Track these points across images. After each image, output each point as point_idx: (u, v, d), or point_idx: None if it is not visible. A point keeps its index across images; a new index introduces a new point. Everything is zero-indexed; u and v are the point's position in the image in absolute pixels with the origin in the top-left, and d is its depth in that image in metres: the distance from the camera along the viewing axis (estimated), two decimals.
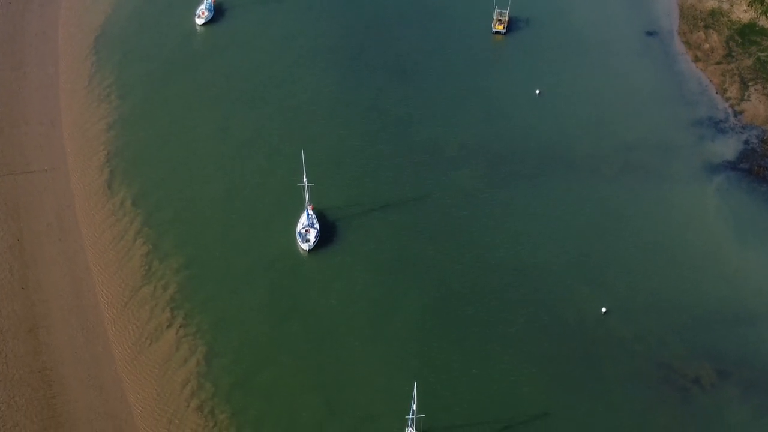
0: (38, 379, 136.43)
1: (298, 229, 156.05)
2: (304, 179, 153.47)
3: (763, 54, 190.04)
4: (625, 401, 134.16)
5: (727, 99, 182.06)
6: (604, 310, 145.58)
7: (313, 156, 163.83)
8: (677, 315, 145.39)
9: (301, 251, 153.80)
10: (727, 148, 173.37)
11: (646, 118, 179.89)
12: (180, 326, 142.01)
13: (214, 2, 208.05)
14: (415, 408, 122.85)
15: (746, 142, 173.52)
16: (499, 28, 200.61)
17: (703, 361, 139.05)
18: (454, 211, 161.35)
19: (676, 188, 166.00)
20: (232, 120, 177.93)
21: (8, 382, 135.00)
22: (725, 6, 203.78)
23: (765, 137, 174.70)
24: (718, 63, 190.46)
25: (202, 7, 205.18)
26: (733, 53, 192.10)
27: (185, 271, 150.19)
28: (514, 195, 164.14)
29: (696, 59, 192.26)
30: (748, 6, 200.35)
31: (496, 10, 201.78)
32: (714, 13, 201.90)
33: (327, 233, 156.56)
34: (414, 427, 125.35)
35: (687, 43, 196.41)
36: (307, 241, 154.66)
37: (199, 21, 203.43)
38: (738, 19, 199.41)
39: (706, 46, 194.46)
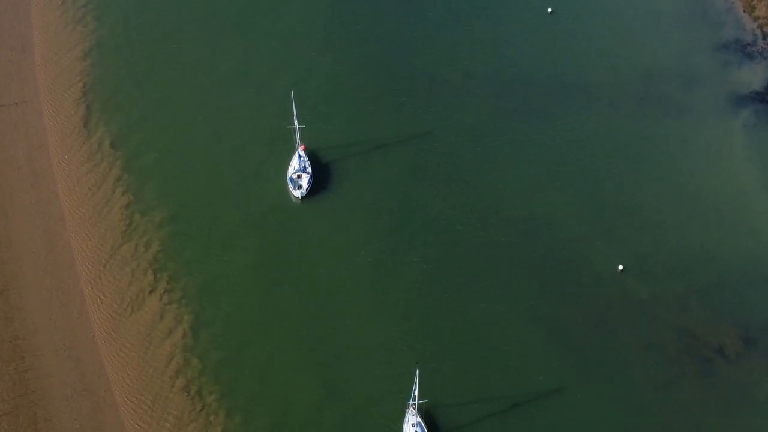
0: (10, 349, 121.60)
1: (289, 174, 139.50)
2: (295, 121, 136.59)
3: None
4: (643, 376, 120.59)
5: (756, 18, 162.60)
6: (621, 267, 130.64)
7: (305, 91, 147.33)
8: (700, 274, 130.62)
9: (294, 198, 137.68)
10: (755, 76, 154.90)
11: (666, 42, 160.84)
12: (164, 291, 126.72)
13: None
14: (416, 393, 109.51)
15: None
16: None
17: (728, 327, 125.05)
18: (458, 152, 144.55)
19: (700, 125, 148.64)
20: (217, 49, 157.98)
21: None
22: None
23: None
24: None
25: None
26: None
27: (169, 227, 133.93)
28: (524, 134, 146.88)
29: None
30: None
31: None
32: None
33: (321, 178, 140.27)
34: (416, 411, 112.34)
35: None
36: (300, 187, 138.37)
37: None
38: None
39: None
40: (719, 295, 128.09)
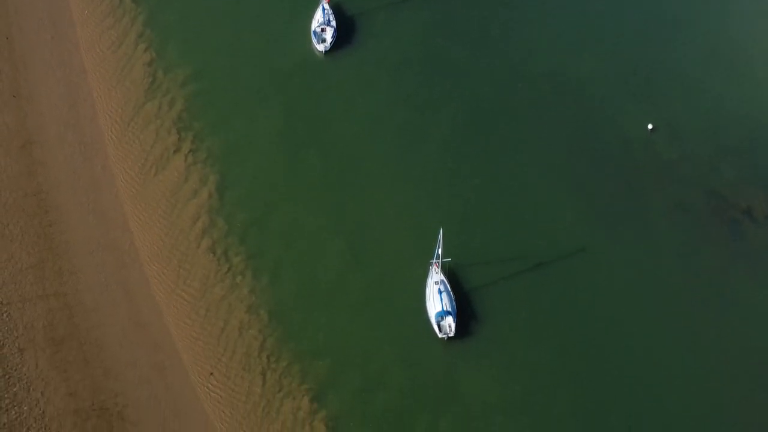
0: (34, 203, 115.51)
1: (312, 28, 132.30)
2: None
3: None
4: (670, 237, 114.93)
5: None
6: (650, 126, 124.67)
7: None
8: (731, 136, 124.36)
9: (317, 53, 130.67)
10: None
11: None
12: (189, 151, 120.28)
13: None
14: (440, 252, 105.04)
15: None
16: None
17: (758, 189, 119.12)
18: (488, 8, 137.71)
19: None
20: None
21: (1, 208, 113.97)
22: None
23: None
24: None
25: None
26: None
27: (192, 85, 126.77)
28: None
29: None
30: None
31: None
32: None
33: (345, 32, 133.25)
34: (439, 270, 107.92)
35: None
36: (323, 41, 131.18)
37: None
38: None
39: None
40: (750, 157, 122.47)
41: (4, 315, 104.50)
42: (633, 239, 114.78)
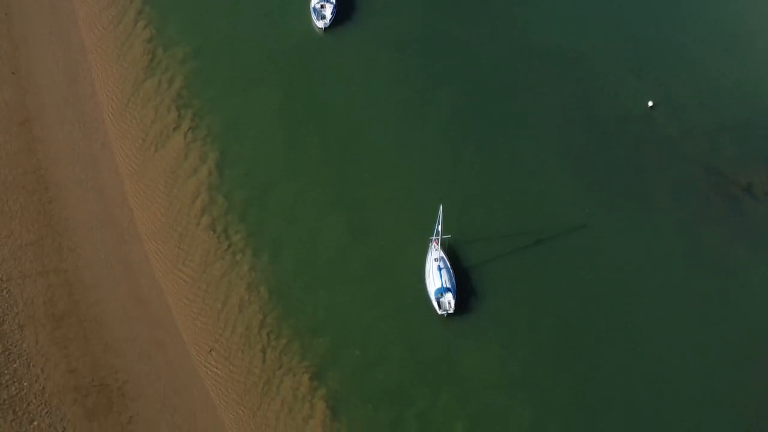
0: (33, 180, 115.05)
1: (312, 4, 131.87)
2: None
3: None
4: (669, 213, 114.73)
5: None
6: (651, 103, 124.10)
7: None
8: (733, 113, 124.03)
9: (317, 30, 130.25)
10: None
11: None
12: (188, 129, 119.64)
13: None
14: (440, 228, 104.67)
15: None
16: None
17: (758, 166, 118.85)
18: None
19: None
20: None
21: (1, 185, 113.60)
22: None
23: None
24: None
25: None
26: None
27: (192, 62, 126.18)
28: None
29: None
30: None
31: None
32: None
33: (345, 8, 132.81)
34: (439, 246, 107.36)
35: None
36: (323, 18, 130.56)
37: None
38: None
39: None
40: (751, 134, 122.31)
41: (4, 291, 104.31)
42: (633, 216, 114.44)
